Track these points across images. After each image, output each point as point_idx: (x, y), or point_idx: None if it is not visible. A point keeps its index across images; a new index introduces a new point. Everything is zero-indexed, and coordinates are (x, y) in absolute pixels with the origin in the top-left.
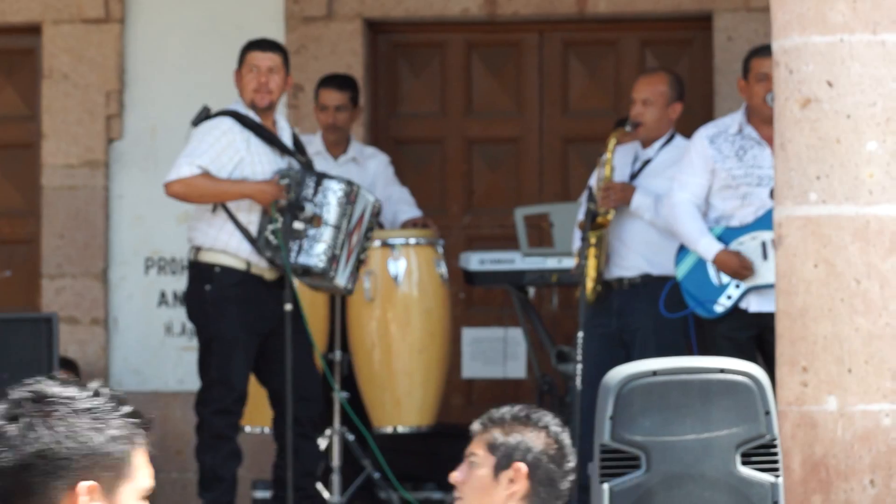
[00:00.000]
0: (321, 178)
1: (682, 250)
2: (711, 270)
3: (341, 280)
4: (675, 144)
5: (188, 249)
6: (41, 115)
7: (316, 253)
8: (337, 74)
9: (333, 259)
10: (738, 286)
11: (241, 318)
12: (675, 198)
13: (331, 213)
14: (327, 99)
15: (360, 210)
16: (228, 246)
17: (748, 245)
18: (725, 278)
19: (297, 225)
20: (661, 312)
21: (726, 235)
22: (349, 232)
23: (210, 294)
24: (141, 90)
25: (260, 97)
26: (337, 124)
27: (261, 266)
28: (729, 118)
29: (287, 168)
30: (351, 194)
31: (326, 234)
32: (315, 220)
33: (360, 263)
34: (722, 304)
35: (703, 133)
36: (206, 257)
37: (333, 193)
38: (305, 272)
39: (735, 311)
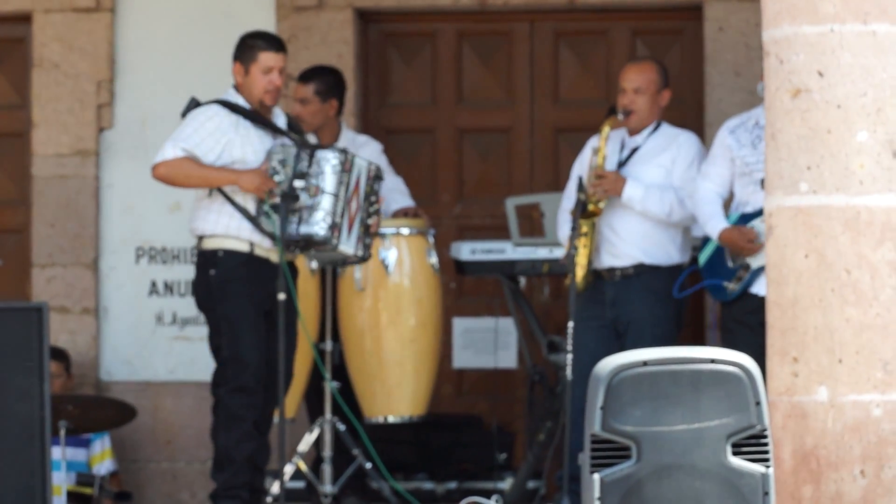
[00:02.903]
0: (314, 150)
1: (706, 239)
2: (727, 255)
3: (347, 247)
4: (663, 132)
5: (194, 241)
6: (31, 104)
7: (315, 221)
8: (311, 67)
9: (334, 226)
10: (747, 267)
11: (247, 296)
12: (698, 186)
13: (326, 181)
14: (293, 91)
15: (355, 177)
16: (229, 228)
17: (759, 227)
18: (737, 261)
19: (293, 203)
20: (674, 294)
21: (741, 221)
22: (347, 199)
23: (215, 278)
24: (131, 79)
25: (271, 97)
26: (302, 117)
27: (264, 246)
28: (754, 111)
29: (279, 145)
30: (346, 163)
31: (324, 202)
32: (311, 190)
33: (367, 229)
34: (732, 286)
35: (726, 125)
36: (209, 244)
37: (327, 162)
38: (308, 243)
39: (748, 295)
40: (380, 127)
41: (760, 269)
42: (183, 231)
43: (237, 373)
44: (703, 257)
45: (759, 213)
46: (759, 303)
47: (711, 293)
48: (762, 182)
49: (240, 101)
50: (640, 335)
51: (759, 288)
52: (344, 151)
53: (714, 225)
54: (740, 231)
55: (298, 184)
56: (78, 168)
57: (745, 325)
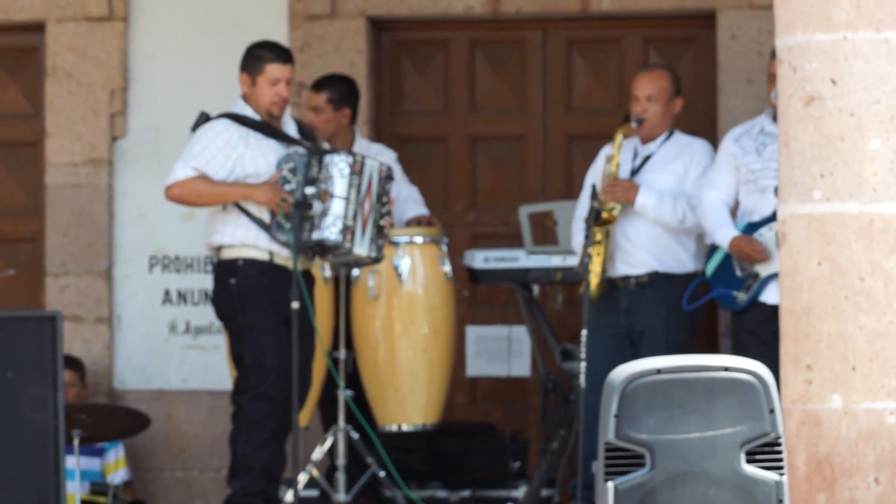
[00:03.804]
0: (323, 155)
1: (713, 248)
2: (735, 264)
3: (361, 250)
4: (676, 139)
5: (211, 253)
6: (45, 113)
7: (326, 225)
8: (325, 76)
9: (346, 230)
10: (756, 276)
11: (269, 304)
12: (703, 195)
13: (336, 185)
14: (307, 99)
15: (367, 178)
16: (248, 239)
17: (766, 236)
18: (745, 270)
19: (306, 211)
20: (683, 306)
21: (748, 230)
22: (360, 202)
23: (235, 287)
24: (144, 88)
25: (278, 108)
26: (315, 125)
27: (283, 255)
28: (758, 118)
29: (290, 153)
30: (355, 165)
31: (335, 206)
32: (322, 196)
33: (380, 230)
34: (742, 295)
35: (731, 133)
36: (228, 254)
37: (335, 166)
38: (322, 249)
39: (757, 305)
40: (392, 135)
41: (770, 278)
42: (196, 240)
43: (259, 380)
44: (711, 267)
45: (766, 222)
46: (769, 311)
47: (720, 303)
48: (775, 190)
49: (248, 111)
50: (654, 343)
51: (767, 296)
52: (353, 154)
53: (724, 233)
54: (749, 241)
55: (310, 190)
56: (91, 177)
57: (756, 336)
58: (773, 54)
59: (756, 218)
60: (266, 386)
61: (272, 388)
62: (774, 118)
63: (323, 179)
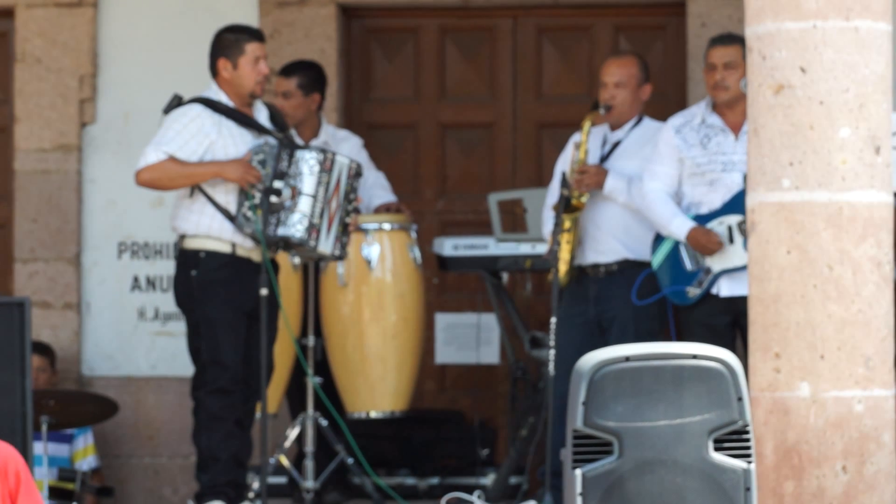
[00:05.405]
0: (294, 150)
1: (657, 240)
2: (684, 257)
3: (325, 248)
4: (645, 125)
5: (175, 238)
6: (14, 98)
7: (292, 223)
8: (293, 61)
9: (312, 228)
10: (708, 271)
11: (227, 299)
12: (646, 187)
13: (305, 182)
14: (276, 85)
15: (336, 176)
16: (211, 229)
17: (716, 230)
18: (697, 264)
19: (273, 198)
20: (633, 300)
21: (698, 222)
22: (327, 199)
23: (196, 279)
24: (114, 74)
25: (261, 87)
26: (284, 111)
27: (246, 247)
28: (696, 107)
29: (261, 144)
30: (325, 162)
31: (302, 203)
32: (290, 191)
33: (345, 228)
34: (694, 290)
35: (671, 123)
36: (191, 244)
37: (306, 163)
38: (286, 244)
39: (709, 297)
40: (362, 122)
41: (722, 273)
42: (165, 226)
43: (216, 376)
44: (657, 260)
45: (714, 215)
46: (723, 304)
47: (671, 297)
48: (744, 176)
49: (222, 97)
50: (623, 331)
51: (719, 289)
52: (324, 151)
53: (679, 224)
54: (706, 233)
55: (278, 184)
56: (60, 163)
57: (709, 328)
58: (711, 43)
59: (704, 210)
60: (223, 382)
61: (229, 382)
62: (714, 107)
63: (292, 175)
